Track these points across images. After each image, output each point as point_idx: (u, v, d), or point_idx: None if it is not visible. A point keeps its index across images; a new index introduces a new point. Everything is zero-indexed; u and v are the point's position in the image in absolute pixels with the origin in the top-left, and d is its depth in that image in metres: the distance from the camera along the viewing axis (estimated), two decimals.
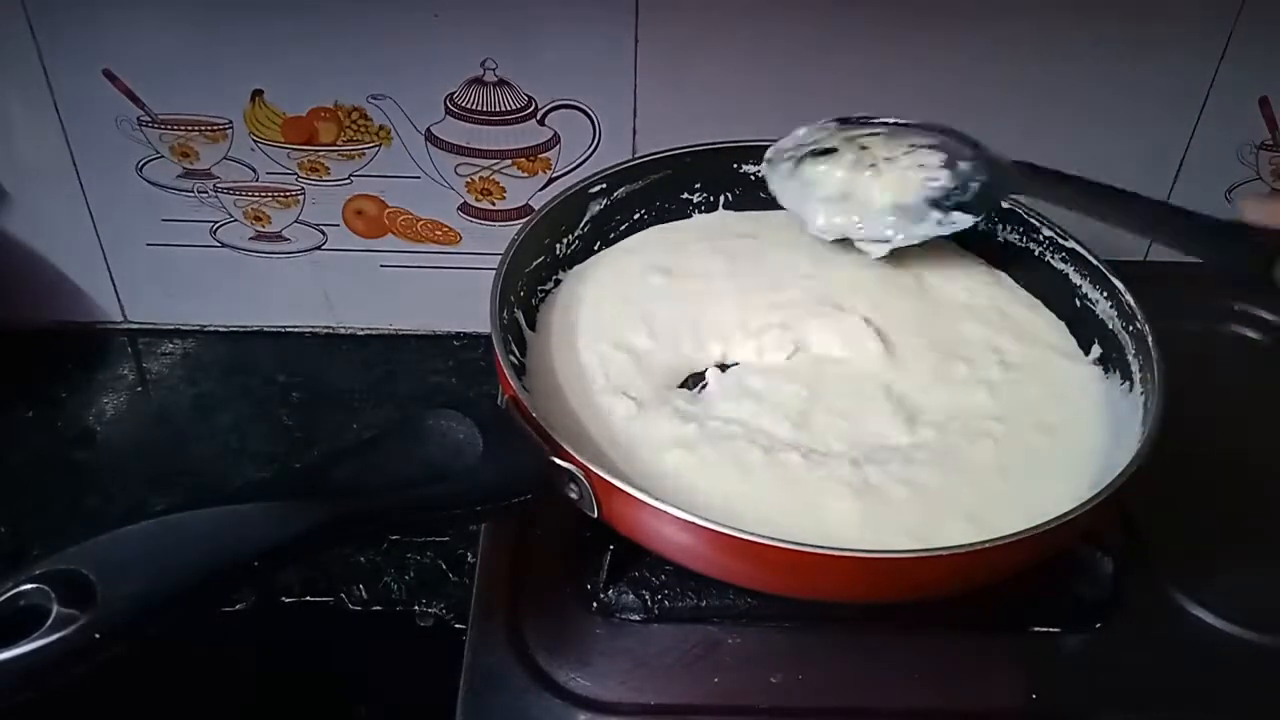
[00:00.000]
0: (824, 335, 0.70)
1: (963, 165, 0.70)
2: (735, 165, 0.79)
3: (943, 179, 0.70)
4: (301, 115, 0.85)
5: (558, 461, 0.57)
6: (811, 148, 0.72)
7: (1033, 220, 0.74)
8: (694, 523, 0.53)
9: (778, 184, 0.74)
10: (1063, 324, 0.73)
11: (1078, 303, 0.72)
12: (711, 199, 0.80)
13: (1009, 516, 0.57)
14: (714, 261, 0.76)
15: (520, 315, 0.70)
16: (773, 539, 0.52)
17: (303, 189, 0.90)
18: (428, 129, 0.86)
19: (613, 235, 0.77)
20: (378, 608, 0.77)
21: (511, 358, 0.66)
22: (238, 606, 0.75)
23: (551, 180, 0.89)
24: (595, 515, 0.58)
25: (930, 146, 0.70)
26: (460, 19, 0.80)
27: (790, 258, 0.76)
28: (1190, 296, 0.83)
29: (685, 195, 0.79)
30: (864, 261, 0.74)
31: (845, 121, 0.72)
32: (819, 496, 0.60)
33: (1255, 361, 0.83)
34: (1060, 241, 0.73)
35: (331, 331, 0.99)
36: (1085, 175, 0.78)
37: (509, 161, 0.88)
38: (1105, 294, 0.70)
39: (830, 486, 0.61)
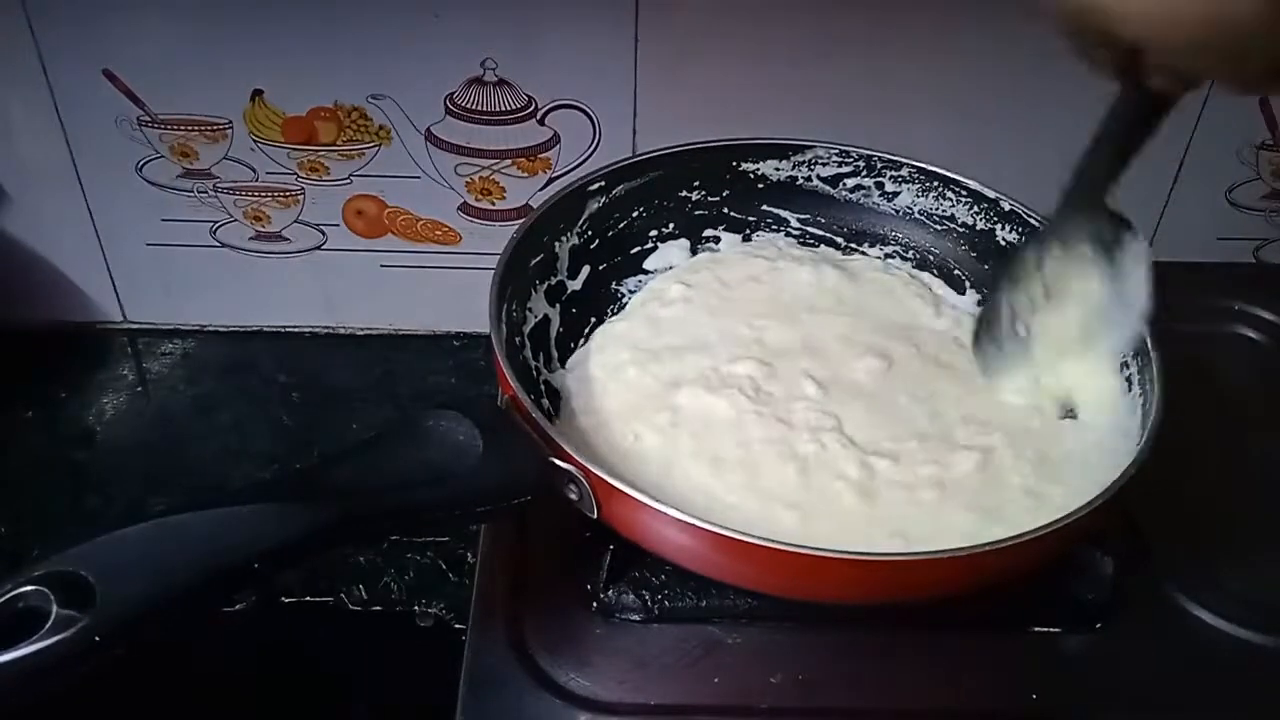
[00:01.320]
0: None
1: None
2: (734, 163, 0.79)
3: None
4: (301, 115, 0.85)
5: (557, 462, 0.57)
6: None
7: (1033, 220, 0.74)
8: (692, 524, 0.53)
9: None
10: None
11: None
12: (710, 198, 0.80)
13: (1008, 518, 0.57)
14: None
15: (521, 314, 0.70)
16: (771, 540, 0.52)
17: (303, 189, 0.90)
18: (428, 129, 0.86)
19: (610, 234, 0.77)
20: (378, 608, 0.77)
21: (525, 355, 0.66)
22: (238, 607, 0.75)
23: (552, 180, 0.89)
24: (595, 516, 0.58)
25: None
26: (460, 19, 0.80)
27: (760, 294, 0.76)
28: (1190, 296, 0.83)
29: (684, 193, 0.79)
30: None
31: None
32: (823, 493, 0.61)
33: (1255, 361, 0.83)
34: None
35: (331, 331, 0.99)
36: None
37: (509, 161, 0.88)
38: None
39: (834, 485, 0.61)
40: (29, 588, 0.44)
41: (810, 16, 0.81)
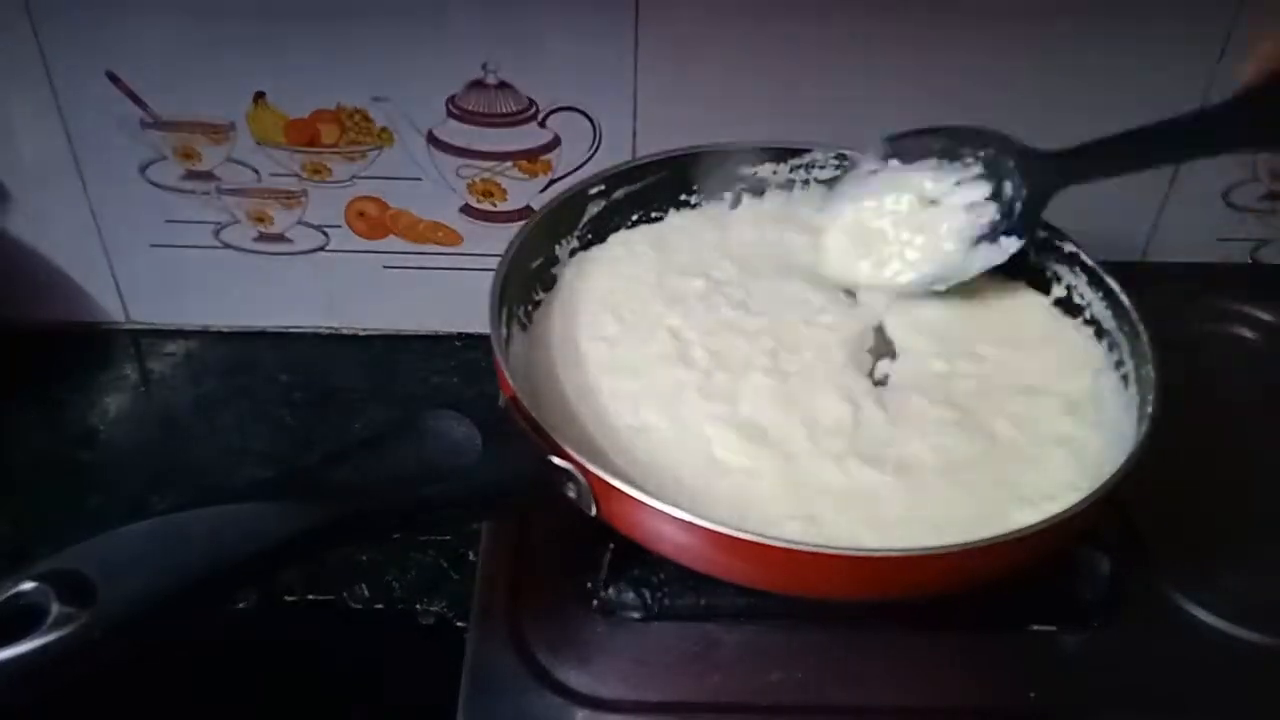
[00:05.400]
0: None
1: (1007, 188, 0.68)
2: (735, 167, 0.79)
3: (990, 213, 0.69)
4: (304, 117, 0.85)
5: (555, 460, 0.57)
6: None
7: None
8: (690, 521, 0.53)
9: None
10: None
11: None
12: (709, 201, 0.80)
13: (1005, 516, 0.57)
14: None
15: (521, 315, 0.71)
16: (770, 538, 0.53)
17: (305, 190, 0.90)
18: (429, 131, 0.86)
19: (610, 238, 0.78)
20: (379, 606, 0.78)
21: (512, 358, 0.66)
22: (238, 606, 0.76)
23: (552, 182, 0.89)
24: (593, 514, 0.58)
25: (977, 176, 0.69)
26: (462, 22, 0.81)
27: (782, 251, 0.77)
28: (1187, 297, 0.83)
29: (684, 197, 0.79)
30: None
31: (892, 139, 0.71)
32: (815, 485, 0.62)
33: (1252, 361, 0.83)
34: (1056, 243, 0.73)
35: (333, 332, 0.99)
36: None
37: (510, 163, 0.88)
38: (1102, 294, 0.70)
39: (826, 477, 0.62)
40: (29, 585, 0.44)
41: (810, 17, 0.81)
